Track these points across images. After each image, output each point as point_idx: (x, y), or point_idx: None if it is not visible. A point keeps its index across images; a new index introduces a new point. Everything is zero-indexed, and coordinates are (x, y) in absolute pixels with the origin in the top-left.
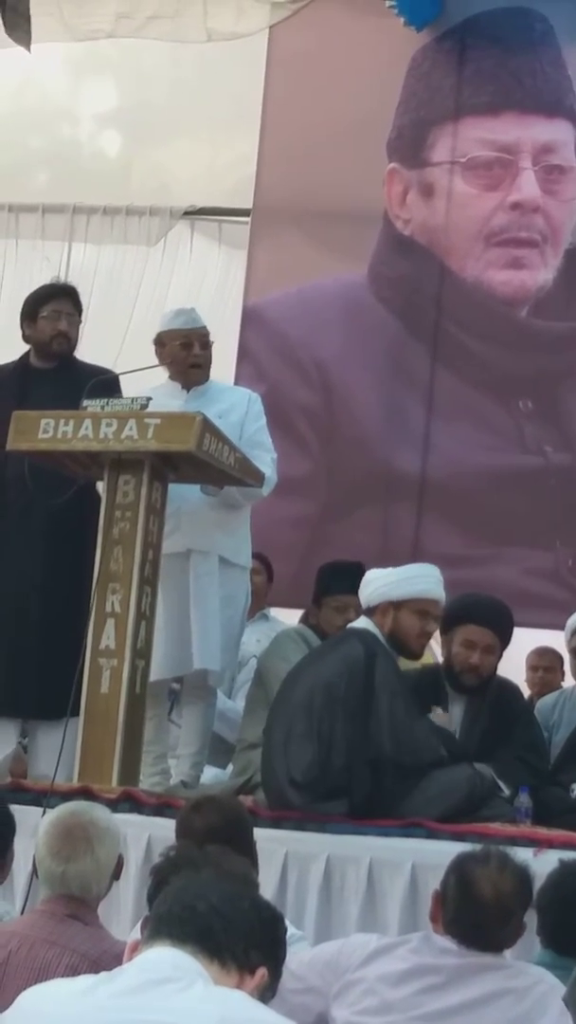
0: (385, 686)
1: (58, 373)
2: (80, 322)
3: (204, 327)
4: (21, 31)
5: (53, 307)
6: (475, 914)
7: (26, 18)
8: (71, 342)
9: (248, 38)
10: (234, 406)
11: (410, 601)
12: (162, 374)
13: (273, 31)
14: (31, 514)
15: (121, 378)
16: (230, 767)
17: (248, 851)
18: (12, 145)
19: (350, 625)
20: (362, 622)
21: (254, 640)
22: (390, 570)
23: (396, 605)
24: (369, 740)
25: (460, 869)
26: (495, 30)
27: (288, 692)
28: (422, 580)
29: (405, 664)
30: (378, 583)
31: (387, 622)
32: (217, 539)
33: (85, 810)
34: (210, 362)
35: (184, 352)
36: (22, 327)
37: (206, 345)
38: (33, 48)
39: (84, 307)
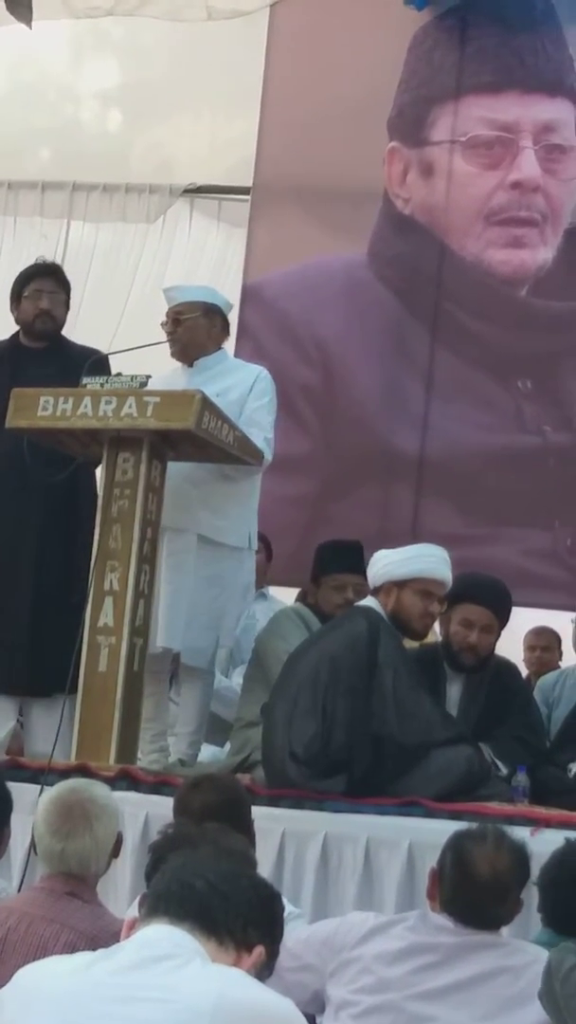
0: (388, 663)
1: (48, 353)
2: (66, 300)
3: (179, 304)
4: (22, 7)
5: (35, 287)
6: (472, 892)
7: None
8: (55, 320)
9: (249, 16)
10: (237, 384)
11: (412, 581)
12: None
13: (274, 9)
14: (26, 491)
15: (130, 356)
16: (227, 745)
17: (246, 829)
18: (12, 122)
19: (357, 604)
20: (368, 601)
21: None
22: (396, 550)
23: (399, 585)
24: (371, 716)
25: (457, 847)
26: (497, 9)
27: (293, 668)
28: (425, 560)
29: (405, 643)
30: (383, 562)
31: (390, 602)
32: (198, 518)
33: (84, 787)
34: (187, 336)
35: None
36: (11, 308)
37: (177, 322)
38: (34, 26)
39: (82, 285)
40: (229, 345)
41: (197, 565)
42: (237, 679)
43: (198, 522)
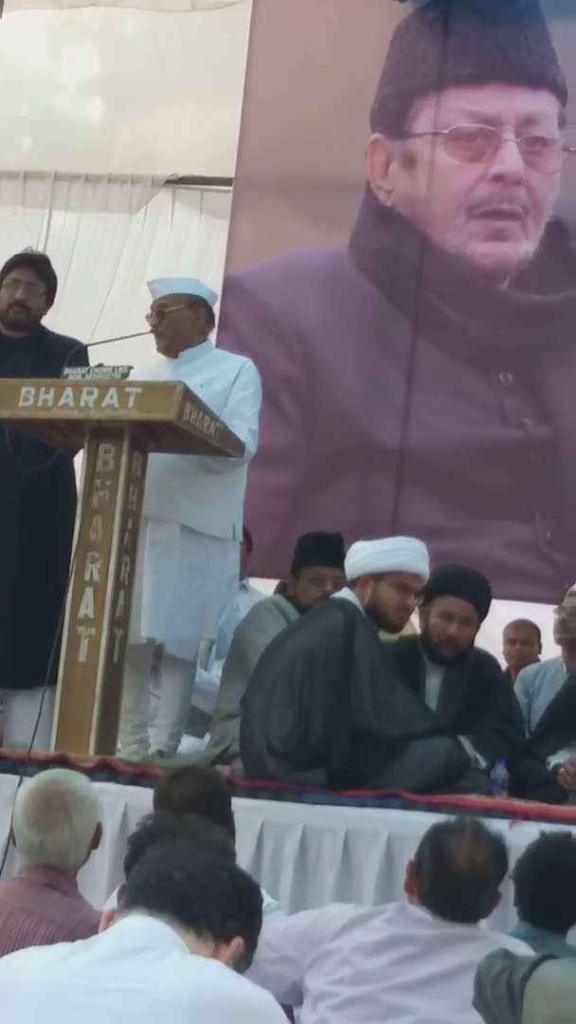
0: (365, 655)
1: (28, 343)
2: (45, 291)
3: (163, 296)
4: None
5: (13, 276)
6: (450, 884)
7: None
8: (29, 312)
9: (232, 7)
10: (221, 375)
11: (390, 574)
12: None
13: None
14: (6, 482)
15: (113, 347)
16: (207, 737)
17: (226, 821)
18: None
19: (332, 596)
20: (345, 593)
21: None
22: (374, 542)
23: (376, 577)
24: (349, 709)
25: (435, 840)
26: (479, 1)
27: (269, 661)
28: (403, 553)
29: (383, 636)
30: (361, 554)
31: (367, 594)
32: (180, 507)
33: (63, 779)
34: (171, 329)
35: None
36: None
37: (162, 315)
38: (17, 15)
39: (64, 275)
40: (211, 337)
41: (181, 555)
42: (217, 671)
43: (180, 512)
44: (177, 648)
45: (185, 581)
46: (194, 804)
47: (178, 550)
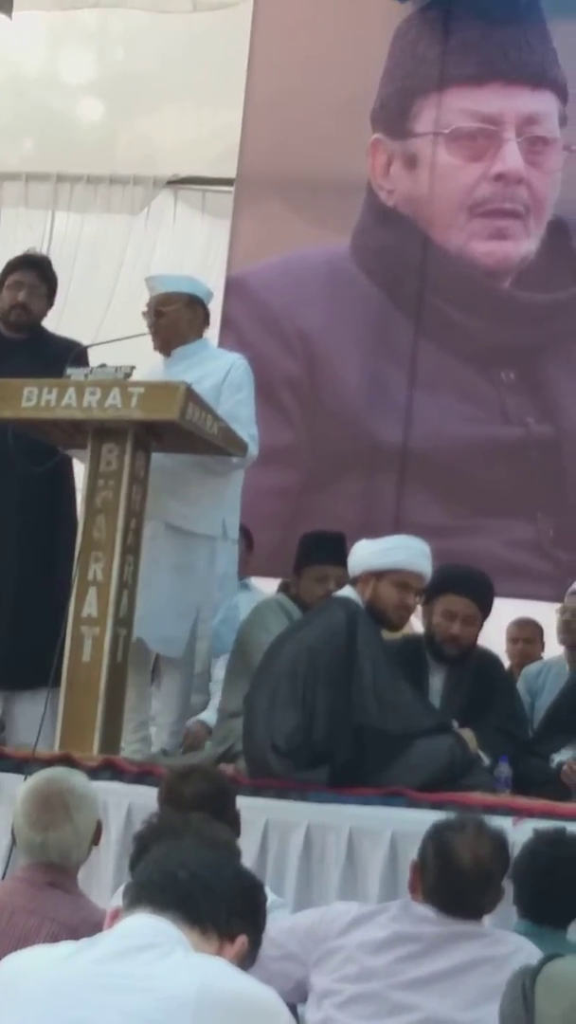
0: (367, 653)
1: (29, 344)
2: (47, 293)
3: (159, 295)
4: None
5: (16, 277)
6: (456, 881)
7: None
8: (31, 314)
9: (233, 7)
10: (211, 373)
11: (390, 572)
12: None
13: (258, 0)
14: (8, 482)
15: (115, 347)
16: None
17: (232, 819)
18: None
19: (335, 594)
20: (347, 591)
21: None
22: (376, 540)
23: (377, 575)
24: (352, 707)
25: (438, 838)
26: (480, 1)
27: (272, 660)
28: (403, 551)
29: (386, 635)
30: (362, 552)
31: (367, 591)
32: (166, 505)
33: (62, 777)
34: (168, 329)
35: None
36: None
37: (158, 313)
38: (19, 16)
39: (67, 275)
40: (213, 337)
41: (166, 554)
42: (219, 673)
43: (164, 509)
44: (162, 646)
45: (172, 580)
46: (205, 803)
47: (162, 548)
